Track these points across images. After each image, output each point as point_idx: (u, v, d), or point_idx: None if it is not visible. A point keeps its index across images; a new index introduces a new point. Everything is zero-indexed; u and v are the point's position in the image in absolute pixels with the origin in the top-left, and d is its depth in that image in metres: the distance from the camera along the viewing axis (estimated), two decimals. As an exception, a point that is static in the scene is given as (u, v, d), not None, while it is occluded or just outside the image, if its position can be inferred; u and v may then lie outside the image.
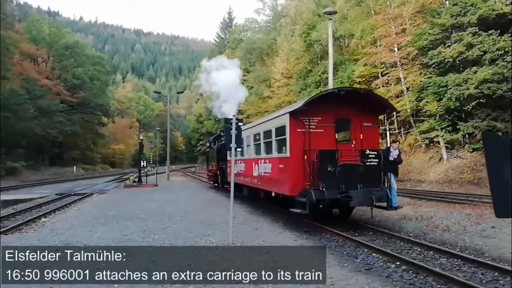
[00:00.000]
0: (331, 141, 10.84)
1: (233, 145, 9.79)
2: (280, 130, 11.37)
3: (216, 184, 26.30)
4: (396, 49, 28.29)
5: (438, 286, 5.96)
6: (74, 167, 59.42)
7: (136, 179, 31.53)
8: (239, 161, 16.13)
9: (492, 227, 9.98)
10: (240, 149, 13.67)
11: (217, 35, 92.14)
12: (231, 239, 9.19)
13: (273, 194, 12.19)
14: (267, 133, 12.60)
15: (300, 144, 10.53)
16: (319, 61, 36.16)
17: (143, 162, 32.82)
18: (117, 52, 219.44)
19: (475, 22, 22.87)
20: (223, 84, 25.48)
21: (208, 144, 30.14)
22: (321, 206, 9.79)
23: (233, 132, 9.75)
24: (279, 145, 11.75)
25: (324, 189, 9.72)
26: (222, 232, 10.29)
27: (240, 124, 10.27)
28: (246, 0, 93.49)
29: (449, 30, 24.49)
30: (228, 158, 17.95)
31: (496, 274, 6.39)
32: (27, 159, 47.39)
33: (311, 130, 10.63)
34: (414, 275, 6.44)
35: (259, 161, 13.45)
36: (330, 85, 19.43)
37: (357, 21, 31.72)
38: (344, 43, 35.20)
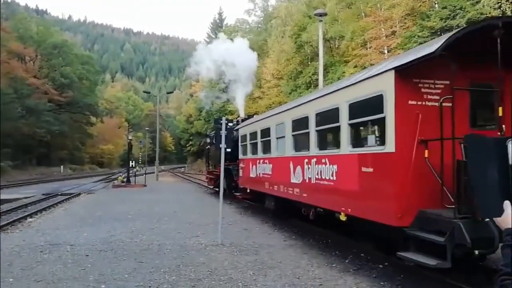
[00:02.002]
0: (462, 124, 5.56)
1: (222, 145, 9.76)
2: (366, 106, 6.45)
3: (218, 189, 23.60)
4: (386, 51, 28.47)
5: None
6: (62, 167, 58.77)
7: (125, 179, 31.25)
8: (259, 161, 12.33)
9: None
10: (256, 144, 12.20)
11: (207, 36, 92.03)
12: (220, 240, 9.12)
13: (342, 218, 7.19)
14: (329, 115, 7.68)
15: (413, 129, 5.68)
16: (309, 63, 36.26)
17: (132, 162, 32.56)
18: (107, 52, 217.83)
19: (464, 25, 23.13)
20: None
21: (208, 141, 24.99)
22: (476, 252, 4.90)
23: (223, 132, 9.72)
24: (360, 132, 7.94)
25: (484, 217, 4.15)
26: (211, 232, 10.22)
27: (230, 124, 10.30)
28: (237, 1, 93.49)
29: (439, 33, 24.69)
30: (241, 156, 15.22)
31: None
32: (13, 158, 46.72)
33: (427, 103, 5.87)
34: None
35: (308, 160, 8.53)
36: (321, 87, 19.45)
37: (348, 23, 31.86)
38: (335, 44, 35.34)
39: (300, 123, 9.16)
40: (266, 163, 11.67)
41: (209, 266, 7.12)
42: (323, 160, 7.88)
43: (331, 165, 7.55)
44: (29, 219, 13.13)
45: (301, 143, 9.47)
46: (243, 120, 18.09)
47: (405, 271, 6.51)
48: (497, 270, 1.32)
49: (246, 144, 14.27)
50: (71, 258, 7.77)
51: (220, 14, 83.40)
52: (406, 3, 27.13)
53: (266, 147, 11.82)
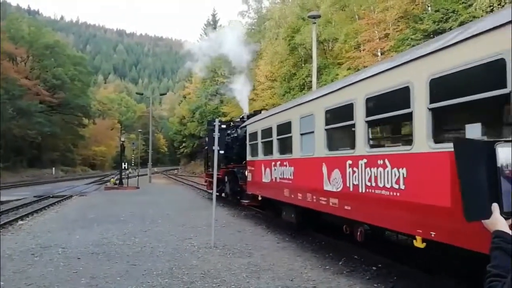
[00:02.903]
0: None
1: (215, 147, 9.72)
2: (471, 78, 4.27)
3: (218, 194, 18.87)
4: (379, 53, 28.61)
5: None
6: (53, 168, 58.29)
7: (117, 181, 31.08)
8: (275, 163, 10.25)
9: None
10: (270, 142, 10.52)
11: (201, 37, 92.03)
12: (213, 242, 9.09)
13: (418, 244, 5.04)
14: (390, 99, 5.59)
15: None
16: (303, 65, 36.33)
17: (125, 164, 32.39)
18: (99, 53, 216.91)
19: (457, 28, 23.30)
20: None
21: (207, 141, 22.84)
22: None
23: (216, 135, 9.69)
24: (449, 121, 5.60)
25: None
26: (204, 235, 10.18)
27: (223, 126, 10.25)
28: (230, 2, 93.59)
29: (431, 35, 24.88)
30: (249, 158, 13.09)
31: None
32: (4, 160, 46.26)
33: None
34: None
35: (352, 162, 6.41)
36: (314, 89, 19.50)
37: (341, 26, 31.96)
38: (328, 47, 35.45)
39: (339, 113, 7.00)
40: (285, 165, 9.53)
41: (202, 269, 7.09)
42: (379, 162, 5.66)
43: (395, 169, 5.33)
44: (21, 222, 12.99)
45: (340, 139, 7.49)
46: (248, 117, 16.37)
47: (398, 273, 6.53)
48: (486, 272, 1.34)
49: (256, 144, 12.16)
50: (63, 261, 7.69)
51: (213, 15, 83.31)
52: (399, 6, 27.31)
53: (286, 146, 9.79)
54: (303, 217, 9.34)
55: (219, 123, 9.95)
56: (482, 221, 1.45)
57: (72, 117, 65.52)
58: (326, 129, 7.47)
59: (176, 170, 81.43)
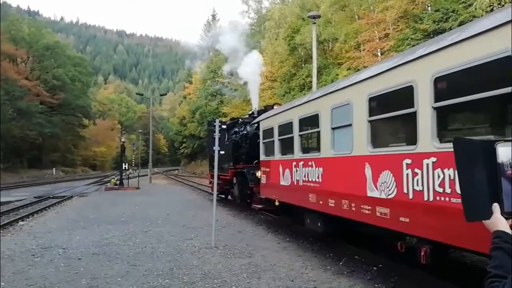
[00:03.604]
0: None
1: (216, 147, 9.70)
2: None
3: (224, 196, 19.09)
4: (379, 53, 28.62)
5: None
6: (54, 169, 58.32)
7: (118, 182, 31.07)
8: (298, 163, 8.85)
9: None
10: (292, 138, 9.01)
11: (201, 37, 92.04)
12: (213, 242, 9.08)
13: None
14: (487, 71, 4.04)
15: None
16: (303, 65, 36.36)
17: (125, 164, 32.39)
18: (99, 53, 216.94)
19: (457, 27, 23.32)
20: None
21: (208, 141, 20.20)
22: None
23: (216, 135, 9.67)
24: None
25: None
26: (205, 235, 10.17)
27: (223, 127, 10.13)
28: (230, 2, 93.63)
29: (431, 35, 24.89)
30: (263, 157, 11.70)
31: None
32: (4, 161, 46.28)
33: None
34: None
35: (413, 161, 4.98)
36: (314, 89, 19.49)
37: (341, 26, 32.00)
38: (328, 47, 35.47)
39: (392, 100, 5.58)
40: (311, 166, 8.07)
41: (202, 269, 7.08)
42: None
43: None
44: (21, 222, 12.98)
45: (390, 133, 6.34)
46: (259, 113, 15.16)
47: (399, 273, 6.52)
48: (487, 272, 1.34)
49: (271, 141, 10.79)
50: (63, 261, 7.69)
51: (213, 16, 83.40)
52: (399, 5, 27.32)
53: (311, 143, 8.87)
54: (332, 226, 7.86)
55: (220, 124, 9.90)
56: (483, 221, 1.45)
57: (73, 117, 65.54)
58: (370, 121, 5.92)
59: (176, 171, 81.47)
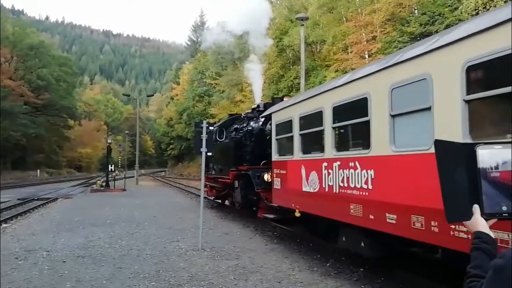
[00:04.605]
0: None
1: (203, 149, 9.66)
2: None
3: (221, 202, 17.22)
4: (366, 56, 28.86)
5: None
6: (38, 171, 57.44)
7: (104, 184, 30.73)
8: (329, 164, 6.94)
9: None
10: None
11: (188, 38, 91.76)
12: (200, 244, 9.03)
13: None
14: None
15: None
16: (291, 66, 36.49)
17: (111, 166, 32.05)
18: (85, 53, 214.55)
19: (443, 30, 23.68)
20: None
21: (213, 136, 15.56)
22: None
23: (204, 136, 9.63)
24: None
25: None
26: (191, 237, 10.12)
27: (211, 128, 10.08)
28: (218, 3, 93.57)
29: (418, 38, 25.21)
30: (276, 157, 9.69)
31: None
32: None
33: None
34: None
35: None
36: (302, 91, 19.56)
37: (329, 28, 32.19)
38: (316, 49, 35.65)
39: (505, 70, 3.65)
40: (353, 167, 6.06)
41: (189, 271, 7.04)
42: None
43: None
44: (4, 225, 12.74)
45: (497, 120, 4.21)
46: (266, 106, 13.12)
47: (385, 274, 6.56)
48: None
49: (289, 137, 8.77)
50: (48, 264, 7.56)
51: (201, 16, 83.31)
52: (387, 8, 27.60)
53: (352, 138, 7.06)
54: (383, 248, 6.02)
55: (207, 125, 9.86)
56: (464, 222, 1.47)
57: (57, 118, 64.62)
58: (467, 101, 4.08)
59: (163, 172, 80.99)
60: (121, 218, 13.92)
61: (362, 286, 6.19)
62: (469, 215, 1.45)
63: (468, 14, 21.59)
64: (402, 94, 5.14)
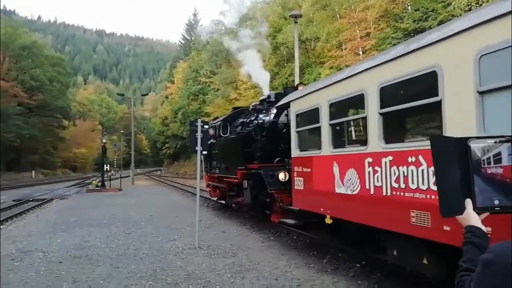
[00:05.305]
0: None
1: (198, 147, 9.65)
2: None
3: (225, 203, 15.42)
4: (361, 52, 28.91)
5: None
6: (33, 172, 57.11)
7: (99, 184, 30.63)
8: (374, 159, 5.55)
9: None
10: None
11: (182, 37, 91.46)
12: (197, 243, 9.04)
13: None
14: None
15: None
16: (285, 64, 36.48)
17: (107, 166, 31.96)
18: (78, 53, 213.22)
19: (436, 26, 23.78)
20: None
21: (211, 133, 14.04)
22: None
23: (199, 135, 9.61)
24: None
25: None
26: (188, 236, 10.12)
27: (206, 127, 10.02)
28: (212, 2, 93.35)
29: (412, 34, 25.30)
30: (296, 153, 8.25)
31: None
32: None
33: None
34: None
35: None
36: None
37: (323, 25, 32.20)
38: (310, 46, 35.66)
39: None
40: (415, 163, 4.75)
41: (186, 270, 7.04)
42: None
43: None
44: (-1, 226, 12.69)
45: None
46: (277, 97, 11.69)
47: (381, 270, 6.60)
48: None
49: (315, 129, 7.32)
50: (44, 265, 7.54)
51: (195, 15, 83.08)
52: (380, 5, 27.66)
53: (412, 126, 6.27)
54: (450, 265, 4.57)
55: (202, 123, 9.83)
56: (456, 216, 1.49)
57: (52, 119, 64.23)
58: None
59: (159, 171, 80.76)
60: (117, 218, 13.89)
61: (359, 282, 6.22)
62: (462, 209, 1.46)
63: (461, 9, 21.69)
64: (495, 64, 3.81)
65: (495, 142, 1.44)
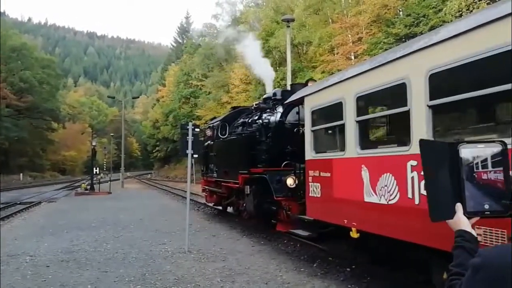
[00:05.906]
0: None
1: (189, 151, 9.58)
2: None
3: (223, 209, 15.03)
4: (352, 57, 29.07)
5: None
6: (21, 174, 56.43)
7: (88, 187, 30.35)
8: (416, 162, 4.46)
9: None
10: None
11: (174, 40, 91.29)
12: (187, 247, 8.97)
13: None
14: None
15: None
16: (277, 68, 36.53)
17: (96, 169, 31.67)
18: (69, 55, 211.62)
19: (427, 32, 24.03)
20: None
21: (208, 134, 14.95)
22: None
23: (190, 138, 9.55)
24: None
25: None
26: (178, 240, 10.04)
27: (197, 130, 9.96)
28: (204, 5, 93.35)
29: (403, 39, 25.52)
30: (312, 155, 7.24)
31: None
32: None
33: None
34: None
35: None
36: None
37: (315, 29, 32.34)
38: (302, 50, 35.79)
39: None
40: None
41: (175, 274, 6.98)
42: None
43: None
44: (-15, 230, 12.47)
45: None
46: (283, 94, 10.83)
47: (371, 274, 6.60)
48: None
49: (338, 127, 6.53)
50: (31, 269, 7.42)
51: (187, 18, 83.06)
52: (372, 10, 27.86)
53: (473, 119, 5.19)
54: None
55: (193, 127, 9.77)
56: (446, 221, 1.49)
57: (41, 121, 63.51)
58: None
59: (149, 175, 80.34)
60: (106, 221, 13.75)
61: (349, 286, 6.22)
62: (452, 214, 1.46)
63: (452, 15, 21.95)
64: None
65: (486, 147, 1.44)
